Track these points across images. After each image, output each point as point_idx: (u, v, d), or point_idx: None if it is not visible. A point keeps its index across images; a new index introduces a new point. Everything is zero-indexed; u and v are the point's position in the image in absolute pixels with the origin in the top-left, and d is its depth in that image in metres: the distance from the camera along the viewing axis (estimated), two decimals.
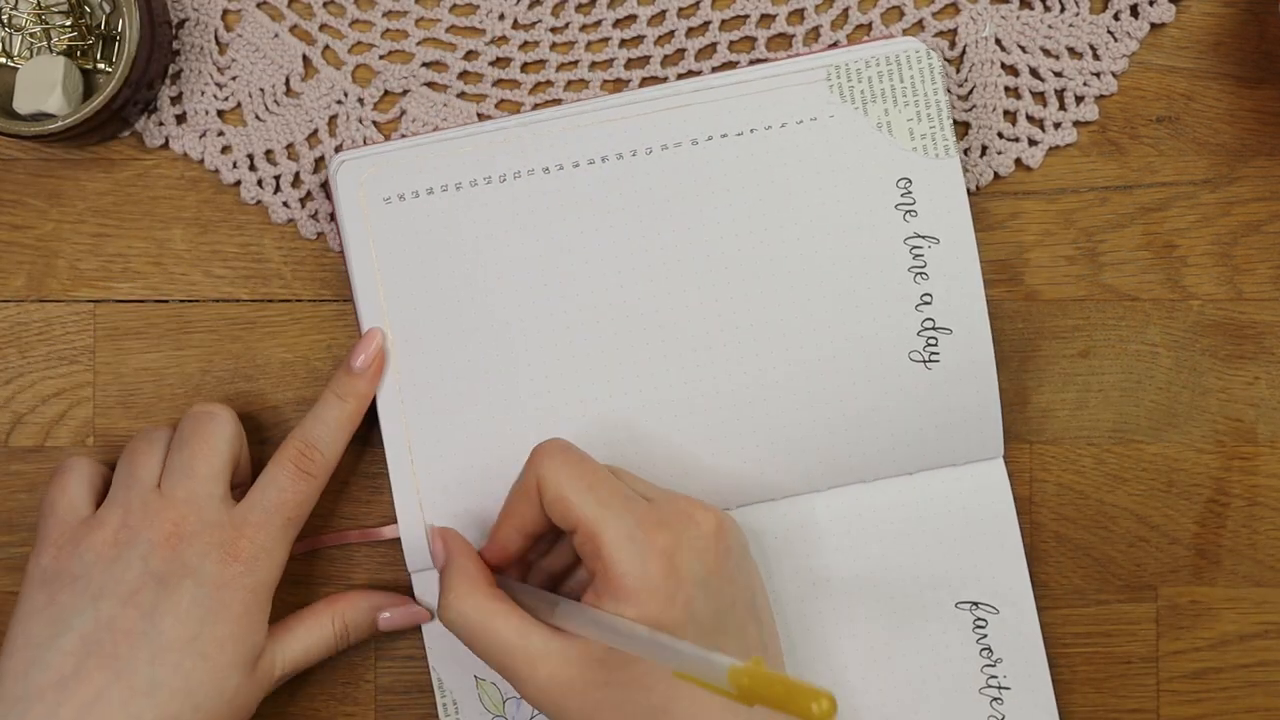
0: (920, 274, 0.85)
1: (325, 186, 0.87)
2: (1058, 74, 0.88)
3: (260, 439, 0.88)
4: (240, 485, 0.84)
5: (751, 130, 0.85)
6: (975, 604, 0.87)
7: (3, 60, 0.86)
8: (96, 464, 0.84)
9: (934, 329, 0.85)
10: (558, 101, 0.88)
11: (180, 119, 0.88)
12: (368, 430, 0.86)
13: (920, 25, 0.88)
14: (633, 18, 0.88)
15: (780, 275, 0.85)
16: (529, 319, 0.85)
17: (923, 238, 0.85)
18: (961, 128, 0.88)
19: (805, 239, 0.85)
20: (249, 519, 0.81)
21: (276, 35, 0.88)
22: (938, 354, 0.85)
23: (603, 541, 0.74)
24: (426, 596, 0.86)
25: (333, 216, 0.87)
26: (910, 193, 0.85)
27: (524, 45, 0.88)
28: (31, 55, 0.85)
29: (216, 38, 0.88)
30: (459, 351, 0.85)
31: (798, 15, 0.88)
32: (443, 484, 0.85)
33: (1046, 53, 0.88)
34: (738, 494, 0.86)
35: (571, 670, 0.74)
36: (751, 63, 0.88)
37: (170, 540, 0.79)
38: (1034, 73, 0.88)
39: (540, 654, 0.74)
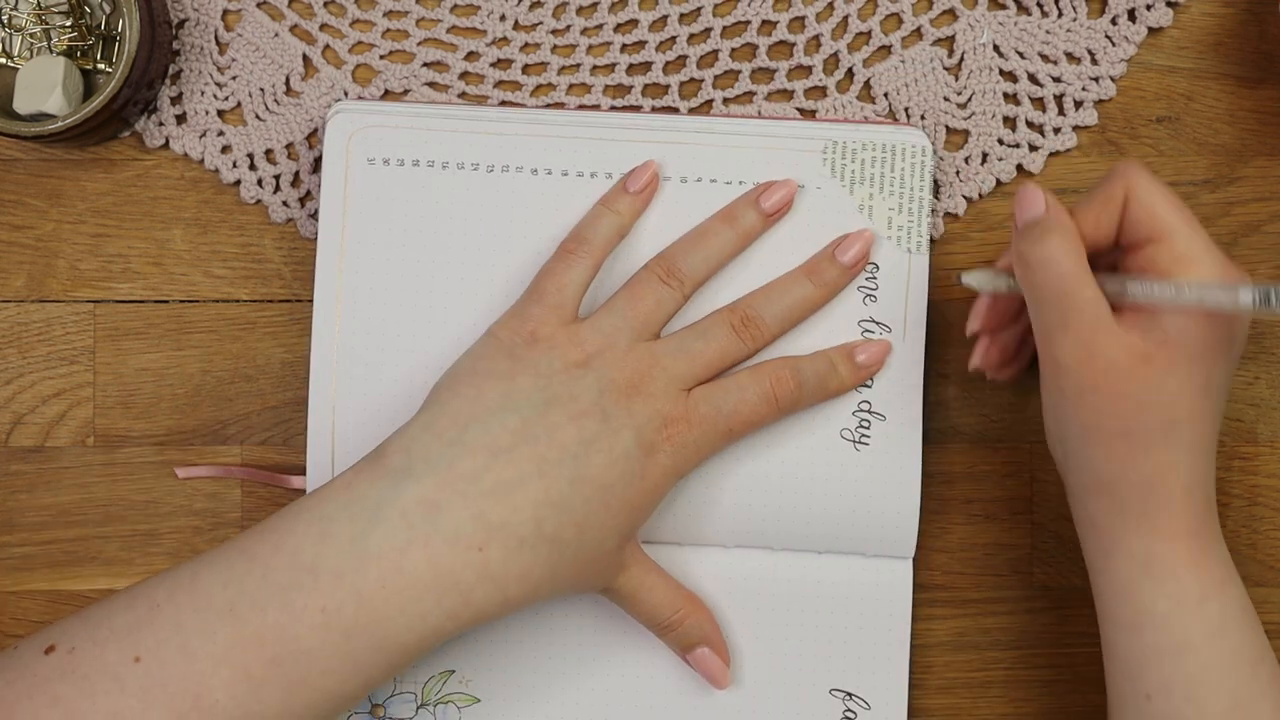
0: None
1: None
2: (1056, 79, 0.88)
3: (261, 440, 0.88)
4: None
5: (740, 182, 0.86)
6: (849, 694, 0.87)
7: (3, 60, 0.86)
8: (598, 266, 0.84)
9: (869, 412, 0.86)
10: (560, 105, 0.88)
11: (180, 119, 0.88)
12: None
13: (918, 32, 0.88)
14: (634, 22, 0.88)
15: None
16: (477, 312, 0.86)
17: (876, 323, 0.86)
18: (961, 135, 0.88)
19: None
20: (699, 409, 0.81)
21: (276, 35, 0.88)
22: (868, 437, 0.86)
23: (1188, 257, 0.75)
24: None
25: None
26: (874, 278, 0.86)
27: (525, 47, 0.88)
28: (31, 55, 0.86)
29: (216, 38, 0.88)
30: (401, 325, 0.86)
31: (799, 23, 0.88)
32: (360, 446, 0.85)
33: (1045, 58, 0.88)
34: (645, 529, 0.87)
35: (1121, 356, 0.75)
36: (755, 72, 0.88)
37: (629, 390, 0.80)
38: (1032, 78, 0.88)
39: (1105, 326, 0.75)
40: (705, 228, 0.85)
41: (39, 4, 0.85)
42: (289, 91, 0.88)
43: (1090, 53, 0.88)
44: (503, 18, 0.88)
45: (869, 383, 0.85)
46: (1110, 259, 0.79)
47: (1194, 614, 0.75)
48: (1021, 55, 0.88)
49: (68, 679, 0.72)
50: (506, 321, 0.82)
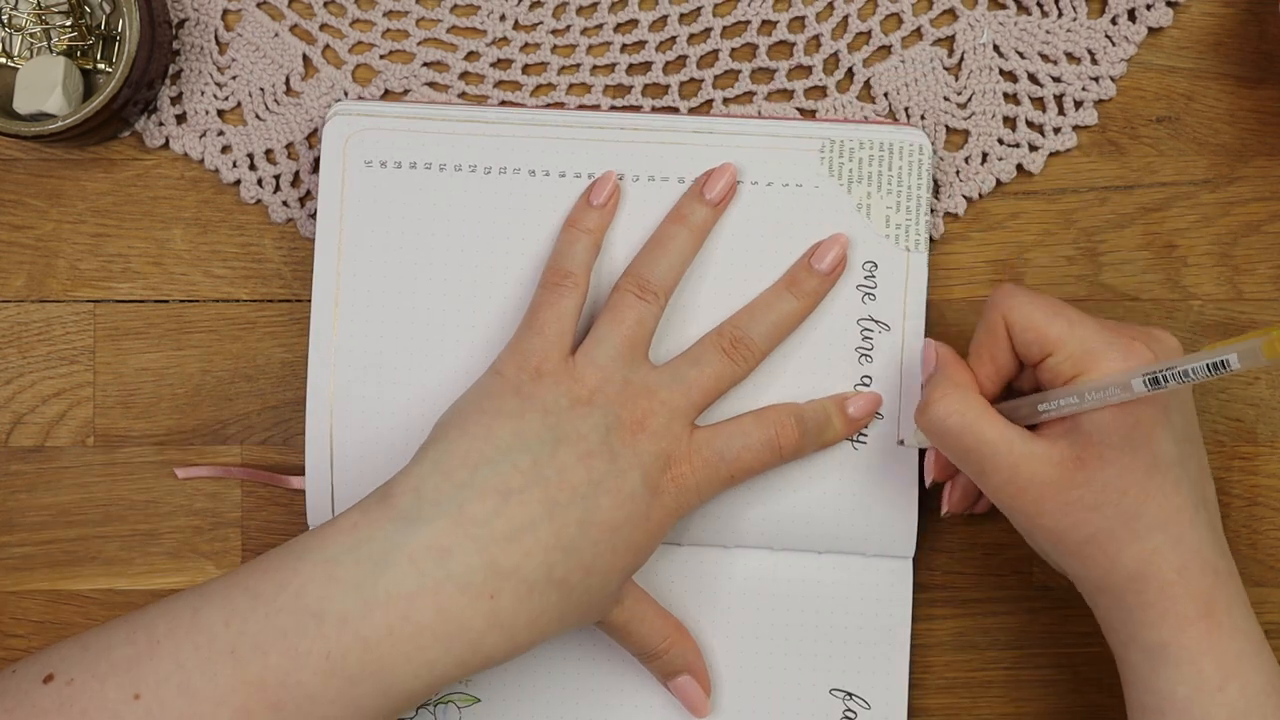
0: (865, 356, 0.86)
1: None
2: (1056, 79, 0.88)
3: (261, 439, 0.88)
4: None
5: (738, 181, 0.86)
6: (849, 694, 0.87)
7: (3, 60, 0.86)
8: (585, 295, 0.84)
9: None
10: (560, 105, 0.88)
11: (180, 119, 0.88)
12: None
13: (918, 32, 0.88)
14: (634, 22, 0.88)
15: None
16: (476, 311, 0.86)
17: (875, 322, 0.86)
18: (961, 135, 0.88)
19: None
20: (703, 453, 0.82)
21: (276, 35, 0.88)
22: (866, 436, 0.86)
23: (1084, 354, 0.76)
24: None
25: None
26: (873, 276, 0.86)
27: (525, 47, 0.88)
28: (32, 55, 0.86)
29: (216, 37, 0.88)
30: (399, 327, 0.86)
31: (799, 23, 0.88)
32: (357, 448, 0.86)
33: (1045, 58, 0.88)
34: None
35: (1052, 471, 0.76)
36: (755, 72, 0.88)
37: (634, 428, 0.80)
38: (1032, 78, 0.88)
39: (1023, 455, 0.76)
40: (662, 233, 0.85)
41: (39, 4, 0.85)
42: (289, 91, 0.88)
43: (1090, 53, 0.88)
44: (503, 18, 0.88)
45: (868, 381, 0.85)
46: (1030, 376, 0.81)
47: (1215, 699, 0.75)
48: (1021, 55, 0.88)
49: (66, 712, 0.71)
50: (510, 357, 0.81)
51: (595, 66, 0.88)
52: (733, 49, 0.88)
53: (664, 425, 0.80)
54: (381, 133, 0.85)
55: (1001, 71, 0.88)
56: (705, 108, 0.88)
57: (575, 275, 0.83)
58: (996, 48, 0.88)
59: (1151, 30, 0.88)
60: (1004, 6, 0.88)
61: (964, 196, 0.88)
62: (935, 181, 0.87)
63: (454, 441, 0.78)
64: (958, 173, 0.88)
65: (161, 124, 0.88)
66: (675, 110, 0.88)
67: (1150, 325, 0.80)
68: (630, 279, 0.83)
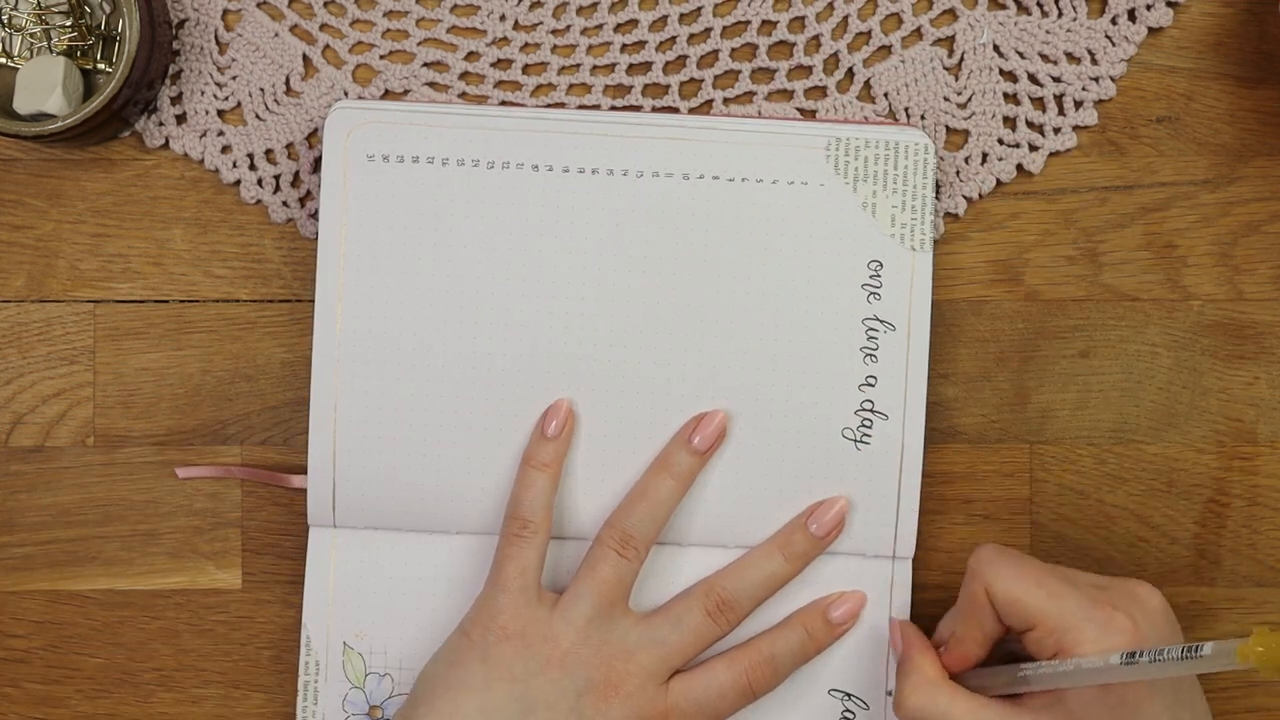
0: (870, 355, 0.86)
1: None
2: (1056, 79, 0.88)
3: (261, 440, 0.88)
4: None
5: (743, 179, 0.86)
6: (848, 695, 0.87)
7: (3, 60, 0.86)
8: (548, 537, 0.84)
9: (871, 411, 0.86)
10: (560, 105, 0.88)
11: (180, 119, 0.88)
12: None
13: (918, 32, 0.88)
14: (634, 22, 0.88)
15: (735, 324, 0.86)
16: (479, 306, 0.85)
17: (881, 321, 0.86)
18: (961, 135, 0.88)
19: (768, 295, 0.86)
20: (681, 706, 0.82)
21: (277, 35, 0.88)
22: (870, 436, 0.86)
23: (1065, 630, 0.75)
24: (317, 548, 0.87)
25: None
26: (879, 276, 0.86)
27: (525, 47, 0.88)
28: (32, 55, 0.86)
29: (216, 38, 0.88)
30: (404, 321, 0.86)
31: (799, 23, 0.88)
32: (361, 444, 0.86)
33: (1045, 58, 0.88)
34: None
35: None
36: (755, 72, 0.88)
37: (607, 690, 0.80)
38: (1032, 78, 0.88)
39: None
40: (647, 483, 0.85)
41: (39, 4, 0.85)
42: (289, 91, 0.88)
43: (1090, 53, 0.88)
44: (503, 18, 0.88)
45: (873, 381, 0.85)
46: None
47: None
48: (1021, 55, 0.88)
49: None
50: (476, 616, 0.82)
51: (595, 66, 0.88)
52: (733, 49, 0.88)
53: (638, 688, 0.81)
54: (384, 125, 0.85)
55: (1001, 71, 0.88)
56: (705, 108, 0.88)
57: (534, 522, 0.83)
58: (996, 48, 0.88)
59: (1151, 30, 0.88)
60: (1004, 6, 0.88)
61: (964, 196, 0.88)
62: (936, 182, 0.87)
63: (421, 705, 0.80)
64: (958, 173, 0.88)
65: (161, 124, 0.88)
66: (675, 110, 0.88)
67: (1132, 578, 0.79)
68: (612, 532, 0.83)
